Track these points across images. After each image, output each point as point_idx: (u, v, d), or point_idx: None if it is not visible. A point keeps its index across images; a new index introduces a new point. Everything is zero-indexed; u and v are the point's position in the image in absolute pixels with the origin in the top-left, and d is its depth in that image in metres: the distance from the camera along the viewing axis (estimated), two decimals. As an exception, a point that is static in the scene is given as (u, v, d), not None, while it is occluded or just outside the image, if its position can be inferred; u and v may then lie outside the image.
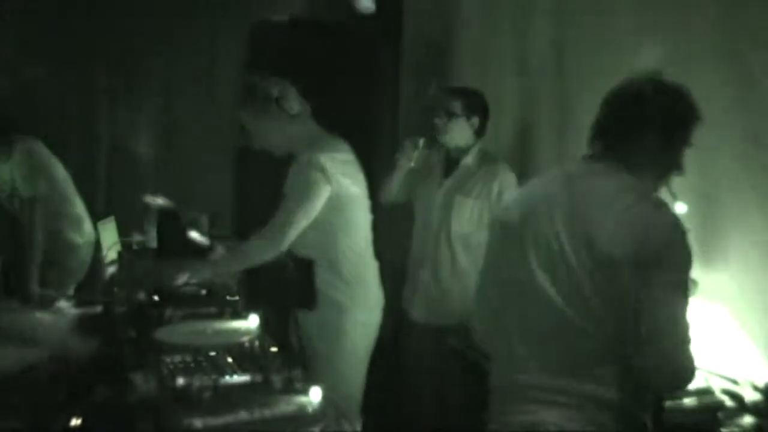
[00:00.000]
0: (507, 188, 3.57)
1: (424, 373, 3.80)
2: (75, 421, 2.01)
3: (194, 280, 3.05)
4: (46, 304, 3.60)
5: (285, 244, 3.02)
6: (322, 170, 3.00)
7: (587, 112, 3.19)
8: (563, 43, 3.55)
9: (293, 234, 3.01)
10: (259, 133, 3.18)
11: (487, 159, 3.66)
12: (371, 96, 5.20)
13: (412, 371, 3.92)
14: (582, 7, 3.42)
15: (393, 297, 3.55)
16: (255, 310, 2.92)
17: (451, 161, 3.71)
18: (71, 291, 4.02)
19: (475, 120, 3.63)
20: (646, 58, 2.93)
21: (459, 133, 3.63)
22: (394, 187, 3.77)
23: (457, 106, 3.62)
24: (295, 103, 3.16)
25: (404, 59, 4.95)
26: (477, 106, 3.66)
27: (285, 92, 3.15)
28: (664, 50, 2.87)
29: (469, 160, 3.65)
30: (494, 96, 3.89)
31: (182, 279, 3.02)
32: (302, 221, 3.01)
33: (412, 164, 3.67)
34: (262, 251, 3.05)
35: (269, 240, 3.03)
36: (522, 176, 3.68)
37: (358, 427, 3.13)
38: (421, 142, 3.64)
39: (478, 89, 3.82)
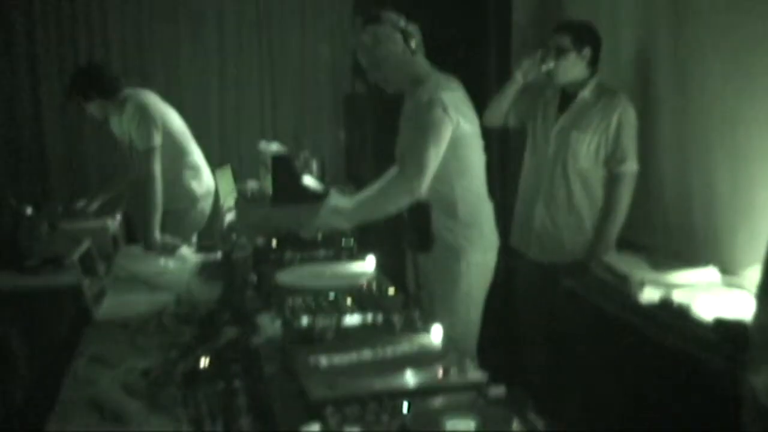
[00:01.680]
0: (627, 121, 3.47)
1: (538, 312, 3.78)
2: (204, 362, 2.08)
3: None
4: (169, 251, 3.73)
5: (423, 189, 2.96)
6: (444, 108, 2.96)
7: (708, 46, 3.14)
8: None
9: (429, 177, 2.96)
10: (376, 64, 3.16)
11: (605, 92, 3.56)
12: (482, 36, 5.11)
13: (526, 311, 3.91)
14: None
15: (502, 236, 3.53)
16: (372, 252, 2.96)
17: (566, 95, 3.62)
18: (193, 238, 4.12)
19: (587, 51, 3.54)
20: None
21: (572, 67, 3.55)
22: (503, 105, 3.72)
23: (565, 40, 3.53)
24: (416, 40, 3.14)
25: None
26: (587, 37, 3.55)
27: (410, 27, 3.14)
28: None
29: (585, 93, 3.56)
30: (610, 28, 3.78)
31: (320, 231, 3.07)
32: (435, 162, 2.97)
33: (528, 78, 3.60)
34: (400, 198, 2.99)
35: (407, 186, 2.96)
36: (643, 110, 3.58)
37: (476, 368, 3.14)
38: (539, 54, 3.57)
39: (587, 21, 3.71)
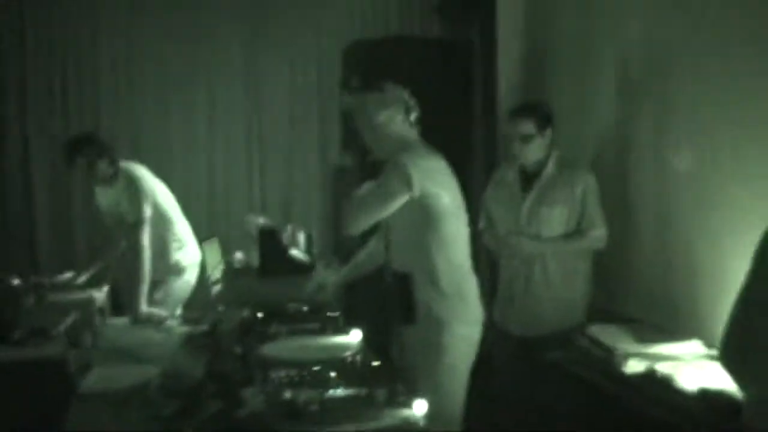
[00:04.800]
0: (590, 191, 3.56)
1: (521, 386, 3.77)
2: (188, 435, 2.08)
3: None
4: (156, 323, 3.73)
5: (352, 226, 3.13)
6: (406, 174, 3.03)
7: (687, 113, 3.23)
8: (661, 44, 3.50)
9: (361, 222, 3.13)
10: (375, 133, 3.22)
11: (566, 165, 3.64)
12: (468, 110, 5.21)
13: (509, 384, 3.90)
14: (679, 6, 3.37)
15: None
16: (356, 325, 2.97)
17: (527, 175, 3.68)
18: (179, 310, 4.12)
19: (548, 132, 3.62)
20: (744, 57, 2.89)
21: (537, 150, 3.62)
22: None
23: (529, 126, 3.60)
24: (415, 114, 3.23)
25: (501, 71, 4.94)
26: (547, 117, 3.64)
27: (413, 102, 3.23)
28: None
29: (549, 169, 3.63)
30: (593, 96, 3.87)
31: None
32: (373, 213, 3.11)
33: None
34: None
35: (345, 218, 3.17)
36: (624, 185, 3.69)
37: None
38: None
39: (541, 100, 3.84)
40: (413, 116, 3.22)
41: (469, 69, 5.29)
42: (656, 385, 2.79)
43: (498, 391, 3.98)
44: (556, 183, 3.60)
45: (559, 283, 3.61)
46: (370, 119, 3.21)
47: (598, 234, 3.58)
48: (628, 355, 2.95)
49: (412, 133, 3.24)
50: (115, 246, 4.76)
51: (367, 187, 3.21)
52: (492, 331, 3.71)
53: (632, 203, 3.69)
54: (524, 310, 3.70)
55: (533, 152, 3.62)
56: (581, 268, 3.66)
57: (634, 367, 2.91)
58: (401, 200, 3.06)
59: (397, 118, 3.19)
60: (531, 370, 3.62)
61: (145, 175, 4.58)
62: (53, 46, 5.78)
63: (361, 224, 3.12)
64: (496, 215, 3.80)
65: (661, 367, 2.83)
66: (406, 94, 3.22)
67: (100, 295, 4.41)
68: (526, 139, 3.59)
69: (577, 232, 3.59)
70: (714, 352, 2.96)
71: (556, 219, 3.58)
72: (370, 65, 4.87)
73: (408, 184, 3.02)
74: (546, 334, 3.57)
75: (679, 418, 2.55)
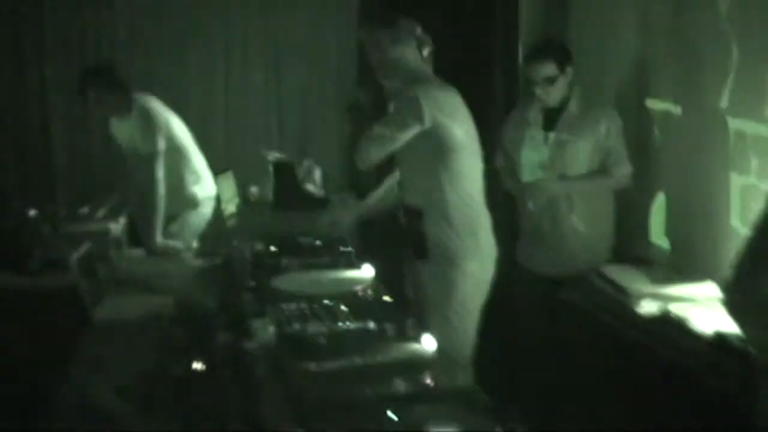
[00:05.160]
0: (615, 129, 3.50)
1: (539, 326, 3.77)
2: (197, 365, 2.09)
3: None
4: (170, 255, 3.74)
5: (365, 161, 3.10)
6: (418, 105, 3.00)
7: (709, 57, 3.15)
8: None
9: (372, 154, 3.09)
10: (388, 65, 3.19)
11: (590, 104, 3.59)
12: (489, 43, 5.12)
13: (527, 324, 3.90)
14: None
15: (507, 250, 3.53)
16: (369, 260, 2.97)
17: (550, 112, 3.62)
18: (194, 243, 4.13)
19: (570, 70, 3.55)
20: None
21: (559, 90, 3.55)
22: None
23: (551, 68, 3.52)
24: (429, 50, 3.21)
25: (522, 10, 4.84)
26: (567, 55, 3.56)
27: (426, 37, 3.22)
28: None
29: (572, 107, 3.57)
30: (614, 41, 3.79)
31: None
32: (384, 145, 3.08)
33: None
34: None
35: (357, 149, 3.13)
36: (642, 129, 3.61)
37: (469, 378, 3.14)
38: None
39: (558, 38, 3.78)
40: (426, 51, 3.20)
41: (489, 3, 5.19)
42: (670, 327, 2.77)
43: (516, 332, 3.99)
44: (579, 120, 3.54)
45: (586, 223, 3.57)
46: (383, 54, 3.19)
47: (624, 171, 3.51)
48: (641, 296, 2.93)
49: (425, 68, 3.21)
50: (131, 178, 4.76)
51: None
52: (516, 271, 3.72)
53: (650, 142, 3.62)
54: (552, 250, 3.66)
55: (556, 92, 3.56)
56: (606, 208, 3.61)
57: (647, 308, 2.90)
58: (412, 131, 3.03)
59: (409, 53, 3.17)
60: (547, 310, 3.62)
61: (159, 107, 4.55)
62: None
63: (372, 157, 3.09)
64: (516, 155, 3.74)
65: (675, 309, 2.82)
66: (418, 29, 3.19)
67: (117, 226, 4.42)
68: (550, 80, 3.52)
69: (603, 170, 3.53)
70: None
71: (580, 156, 3.52)
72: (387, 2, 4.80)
73: (419, 114, 2.99)
74: (572, 274, 3.54)
75: (694, 361, 2.55)
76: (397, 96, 3.14)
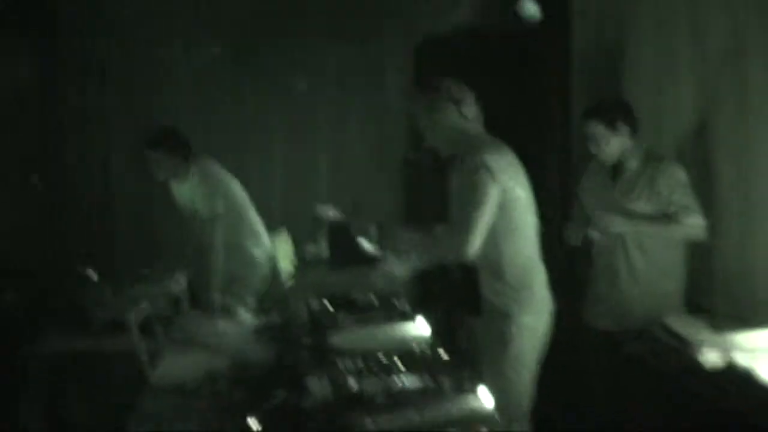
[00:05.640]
0: (676, 183, 3.43)
1: (603, 381, 3.70)
2: (254, 425, 2.09)
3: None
4: (229, 314, 3.77)
5: (470, 250, 2.99)
6: (490, 171, 2.99)
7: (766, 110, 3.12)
8: (743, 43, 3.38)
9: (476, 239, 2.99)
10: (432, 131, 3.22)
11: (651, 158, 3.54)
12: (541, 104, 5.14)
13: (591, 379, 3.84)
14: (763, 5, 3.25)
15: (573, 306, 3.50)
16: (424, 315, 2.95)
17: (617, 167, 3.61)
18: (252, 302, 4.17)
19: (623, 128, 3.52)
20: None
21: (615, 147, 3.54)
22: None
23: (598, 127, 3.53)
24: (471, 110, 3.20)
25: (575, 66, 4.86)
26: (619, 115, 3.54)
27: (465, 96, 3.20)
28: None
29: (633, 164, 3.55)
30: (672, 97, 3.76)
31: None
32: (481, 224, 3.00)
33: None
34: (446, 252, 3.12)
35: (453, 244, 3.03)
36: (704, 173, 3.57)
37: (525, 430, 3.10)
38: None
39: (615, 97, 3.78)
40: (468, 110, 3.19)
41: (544, 65, 5.22)
42: (736, 377, 2.70)
43: (579, 387, 3.93)
44: (639, 177, 3.52)
45: (645, 277, 3.52)
46: (424, 120, 3.23)
47: (693, 222, 3.42)
48: (704, 346, 2.86)
49: (473, 127, 3.22)
50: (192, 239, 4.83)
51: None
52: (582, 330, 3.69)
53: (713, 196, 3.55)
54: (612, 305, 3.62)
55: (610, 149, 3.55)
56: (670, 261, 3.54)
57: (710, 356, 2.83)
58: (494, 198, 3.02)
59: (450, 116, 3.18)
60: (609, 364, 3.56)
61: (217, 170, 4.65)
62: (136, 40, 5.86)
63: (475, 241, 3.00)
64: (587, 204, 3.74)
65: (740, 359, 2.74)
66: (456, 90, 3.19)
67: (177, 287, 4.48)
68: (596, 138, 3.54)
69: (669, 216, 3.46)
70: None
71: (639, 212, 3.50)
72: (441, 63, 4.87)
73: (493, 177, 3.00)
74: (635, 329, 3.48)
75: (760, 412, 2.47)
76: (458, 166, 3.15)
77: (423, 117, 3.24)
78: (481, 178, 3.00)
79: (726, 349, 2.84)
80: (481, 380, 2.19)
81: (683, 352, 2.95)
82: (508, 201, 3.05)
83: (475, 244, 2.99)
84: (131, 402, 2.50)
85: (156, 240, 5.87)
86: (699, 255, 3.56)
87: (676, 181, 3.44)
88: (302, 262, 3.92)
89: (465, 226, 2.99)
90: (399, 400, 2.09)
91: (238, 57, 5.92)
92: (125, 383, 2.83)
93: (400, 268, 3.39)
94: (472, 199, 3.02)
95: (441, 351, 2.53)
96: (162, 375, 2.77)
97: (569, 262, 4.09)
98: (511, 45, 5.15)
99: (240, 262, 4.67)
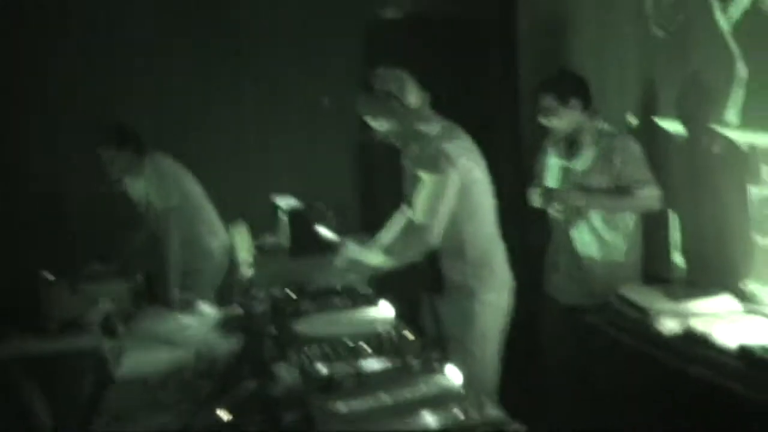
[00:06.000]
0: (629, 158, 3.49)
1: (565, 353, 3.76)
2: (224, 415, 2.08)
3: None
4: (188, 308, 3.74)
5: (436, 237, 3.03)
6: (449, 158, 3.01)
7: (712, 75, 3.18)
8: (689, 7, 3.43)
9: (440, 226, 3.02)
10: (379, 126, 3.22)
11: (604, 134, 3.59)
12: (489, 87, 5.18)
13: (553, 352, 3.89)
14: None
15: (533, 280, 3.53)
16: (387, 298, 2.97)
17: (571, 142, 3.65)
18: (211, 294, 4.15)
19: (575, 101, 3.56)
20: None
21: (566, 120, 3.58)
22: None
23: (549, 100, 3.57)
24: (413, 96, 3.17)
25: (521, 49, 4.90)
26: (570, 88, 3.59)
27: (403, 85, 3.16)
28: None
29: (587, 138, 3.59)
30: (617, 67, 3.81)
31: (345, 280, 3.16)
32: (443, 211, 3.03)
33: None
34: (415, 248, 3.09)
35: (420, 236, 3.05)
36: (648, 147, 3.60)
37: (496, 408, 3.13)
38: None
39: (568, 71, 3.83)
40: (410, 98, 3.15)
41: (489, 47, 5.26)
42: (693, 343, 2.76)
43: (541, 359, 3.98)
44: (594, 152, 3.56)
45: (606, 247, 3.57)
46: (375, 121, 3.22)
47: (648, 193, 3.47)
48: (662, 315, 2.92)
49: (420, 114, 3.19)
50: (147, 234, 4.79)
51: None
52: (543, 302, 3.73)
53: (662, 165, 3.62)
54: (570, 277, 3.67)
55: (560, 123, 3.59)
56: (628, 231, 3.59)
57: (669, 325, 2.89)
58: (455, 182, 3.04)
59: (396, 114, 3.16)
60: (571, 337, 3.61)
61: (170, 164, 4.62)
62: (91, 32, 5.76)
63: (438, 230, 3.03)
64: (545, 181, 3.78)
65: (697, 325, 2.80)
66: (391, 82, 3.15)
67: (135, 283, 4.43)
68: (547, 111, 3.58)
69: (624, 189, 3.50)
70: (749, 305, 2.95)
71: (596, 185, 3.53)
72: (391, 47, 4.89)
73: (452, 164, 3.02)
74: (593, 301, 3.53)
75: (719, 375, 2.53)
76: (416, 155, 3.16)
77: (367, 115, 3.23)
78: (440, 167, 3.02)
79: (682, 316, 2.90)
80: (448, 359, 2.21)
81: (642, 322, 3.01)
82: (468, 184, 3.07)
83: (438, 233, 3.02)
84: (96, 400, 2.48)
85: (111, 237, 5.80)
86: (654, 224, 3.62)
87: (630, 154, 3.49)
88: (261, 252, 3.89)
89: (428, 218, 3.02)
90: (368, 382, 2.11)
91: (185, 53, 5.87)
92: (89, 383, 2.80)
93: (361, 253, 3.39)
94: (433, 189, 3.03)
95: (406, 332, 2.55)
96: (126, 371, 2.75)
97: (523, 236, 4.13)
98: (459, 28, 5.19)
99: (197, 255, 4.65)
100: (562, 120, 3.58)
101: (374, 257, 3.16)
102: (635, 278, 3.55)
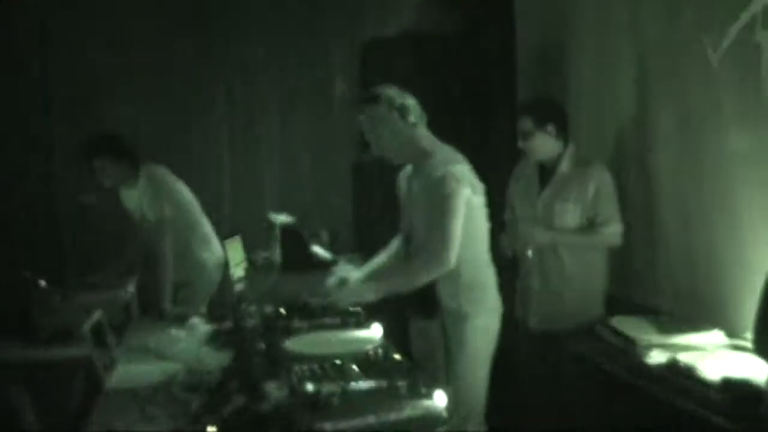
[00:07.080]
0: (603, 188, 3.55)
1: (544, 379, 3.77)
2: (212, 430, 2.10)
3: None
4: (180, 321, 3.76)
5: (453, 260, 3.05)
6: (457, 180, 3.05)
7: (705, 109, 3.20)
8: (680, 42, 3.47)
9: (456, 247, 3.04)
10: (379, 141, 3.24)
11: (580, 162, 3.64)
12: (487, 105, 5.21)
13: (532, 378, 3.90)
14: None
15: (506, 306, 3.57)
16: (378, 319, 2.99)
17: (545, 170, 3.69)
18: (203, 308, 4.16)
19: (551, 128, 3.60)
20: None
21: (541, 145, 3.62)
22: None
23: (527, 123, 3.61)
24: (414, 114, 3.21)
25: (520, 66, 4.94)
26: (548, 114, 3.63)
27: (404, 99, 3.21)
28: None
29: (563, 167, 3.63)
30: (612, 95, 3.86)
31: (351, 302, 3.13)
32: (458, 232, 3.05)
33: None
34: (431, 272, 3.09)
35: (436, 260, 3.06)
36: (644, 174, 3.66)
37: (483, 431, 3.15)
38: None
39: (547, 97, 3.87)
40: (411, 116, 3.20)
41: (487, 65, 5.30)
42: (679, 375, 2.77)
43: (521, 385, 3.99)
44: (570, 179, 3.60)
45: (575, 277, 3.61)
46: (373, 135, 3.24)
47: (613, 230, 3.56)
48: (650, 346, 2.95)
49: (423, 135, 3.24)
50: (140, 246, 4.80)
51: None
52: (514, 326, 3.74)
53: (655, 198, 3.65)
54: (541, 304, 3.70)
55: (538, 148, 3.63)
56: (596, 262, 3.65)
57: (656, 357, 2.91)
58: (464, 205, 3.08)
59: (396, 127, 3.19)
60: (552, 363, 3.63)
61: (165, 175, 4.63)
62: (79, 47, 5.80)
63: (455, 252, 3.05)
64: (516, 208, 3.81)
65: (684, 358, 2.83)
66: (397, 99, 3.20)
67: (126, 294, 4.45)
68: (525, 135, 3.62)
69: (590, 227, 3.57)
70: (736, 342, 2.97)
71: (569, 215, 3.58)
72: (386, 66, 4.93)
73: (461, 187, 3.06)
74: (564, 327, 3.56)
75: (703, 408, 2.55)
76: (421, 177, 3.19)
77: (367, 129, 3.24)
78: (451, 189, 3.05)
79: (670, 349, 2.93)
80: (436, 382, 2.23)
81: (628, 352, 3.03)
82: (469, 209, 3.10)
83: (455, 254, 3.04)
84: (86, 410, 2.49)
85: (104, 247, 5.81)
86: (643, 256, 3.65)
87: (603, 186, 3.55)
88: (254, 267, 3.92)
89: (445, 240, 3.04)
90: (356, 403, 2.12)
91: (182, 63, 5.91)
92: (79, 392, 2.81)
93: (352, 273, 3.41)
94: (446, 211, 3.05)
95: (395, 354, 2.57)
96: (116, 382, 2.76)
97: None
98: (456, 46, 5.23)
99: (189, 268, 4.66)
100: (535, 143, 3.62)
101: (387, 282, 3.17)
102: (600, 307, 3.62)
